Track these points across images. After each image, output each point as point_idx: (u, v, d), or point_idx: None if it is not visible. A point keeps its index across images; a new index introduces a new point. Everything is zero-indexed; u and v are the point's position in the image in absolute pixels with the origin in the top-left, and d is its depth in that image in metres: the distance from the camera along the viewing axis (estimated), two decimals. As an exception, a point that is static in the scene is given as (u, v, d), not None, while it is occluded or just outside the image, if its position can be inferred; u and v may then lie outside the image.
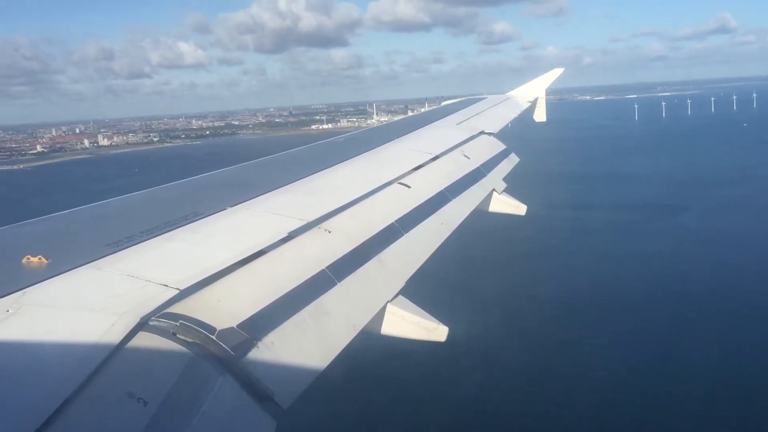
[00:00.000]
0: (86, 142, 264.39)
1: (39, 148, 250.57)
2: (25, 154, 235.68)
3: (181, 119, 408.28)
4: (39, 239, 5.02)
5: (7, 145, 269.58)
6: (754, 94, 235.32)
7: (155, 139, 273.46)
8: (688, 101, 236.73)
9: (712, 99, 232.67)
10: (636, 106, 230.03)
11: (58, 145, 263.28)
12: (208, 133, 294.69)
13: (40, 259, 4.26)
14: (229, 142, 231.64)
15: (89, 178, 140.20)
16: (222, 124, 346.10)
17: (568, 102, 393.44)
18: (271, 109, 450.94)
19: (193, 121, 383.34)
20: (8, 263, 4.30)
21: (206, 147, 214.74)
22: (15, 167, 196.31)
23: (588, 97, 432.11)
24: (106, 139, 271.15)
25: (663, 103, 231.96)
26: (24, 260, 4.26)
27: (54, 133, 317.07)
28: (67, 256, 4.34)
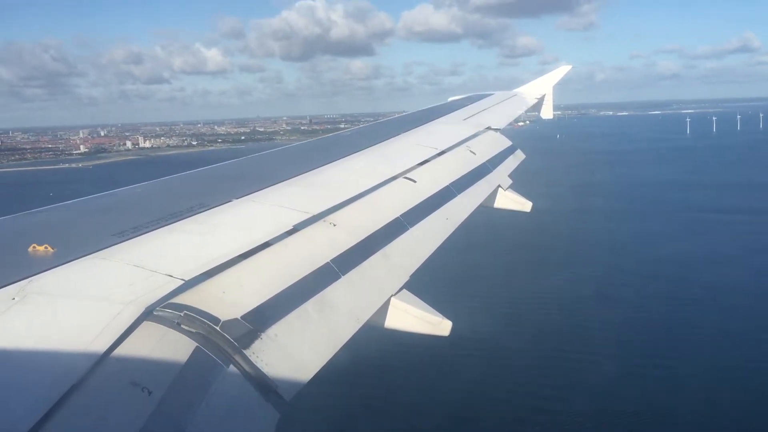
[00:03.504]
0: (129, 144, 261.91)
1: (83, 149, 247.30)
2: (71, 155, 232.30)
3: (199, 125, 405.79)
4: (45, 228, 4.96)
5: (43, 146, 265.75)
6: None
7: (194, 143, 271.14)
8: (738, 117, 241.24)
9: (761, 115, 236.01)
10: (688, 120, 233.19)
11: (101, 146, 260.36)
12: (243, 138, 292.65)
13: (46, 247, 4.19)
14: (277, 146, 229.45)
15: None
16: (247, 130, 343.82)
17: (592, 117, 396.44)
18: (285, 118, 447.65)
19: (215, 126, 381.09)
20: (14, 251, 4.24)
21: (263, 149, 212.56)
22: (74, 166, 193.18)
23: (611, 113, 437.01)
24: (147, 142, 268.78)
25: (714, 119, 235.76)
26: (30, 249, 4.20)
27: (81, 135, 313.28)
28: (73, 246, 4.28)
